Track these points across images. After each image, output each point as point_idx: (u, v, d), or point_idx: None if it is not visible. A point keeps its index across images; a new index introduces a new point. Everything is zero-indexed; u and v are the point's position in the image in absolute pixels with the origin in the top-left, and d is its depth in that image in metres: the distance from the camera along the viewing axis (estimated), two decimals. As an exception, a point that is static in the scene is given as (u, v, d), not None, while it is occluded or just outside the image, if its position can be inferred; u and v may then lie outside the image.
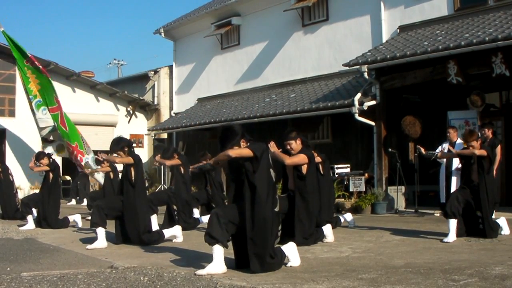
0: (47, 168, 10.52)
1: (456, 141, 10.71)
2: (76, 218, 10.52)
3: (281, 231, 5.59)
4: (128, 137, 10.10)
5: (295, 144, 7.17)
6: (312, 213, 7.14)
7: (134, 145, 8.24)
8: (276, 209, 5.45)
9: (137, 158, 7.87)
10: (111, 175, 12.16)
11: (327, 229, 7.56)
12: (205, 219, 10.89)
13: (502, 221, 7.91)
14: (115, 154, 7.99)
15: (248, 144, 5.52)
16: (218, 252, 5.22)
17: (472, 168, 7.73)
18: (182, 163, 10.00)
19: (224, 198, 11.30)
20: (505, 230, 7.86)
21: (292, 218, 7.02)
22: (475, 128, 11.95)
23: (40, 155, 10.76)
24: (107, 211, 7.67)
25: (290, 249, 5.58)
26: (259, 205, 5.26)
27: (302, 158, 7.07)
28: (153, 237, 7.70)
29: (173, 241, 7.85)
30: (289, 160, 7.03)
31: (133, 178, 7.76)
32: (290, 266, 5.52)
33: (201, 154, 11.58)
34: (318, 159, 8.58)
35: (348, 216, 9.65)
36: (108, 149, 8.12)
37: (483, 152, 7.57)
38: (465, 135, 7.90)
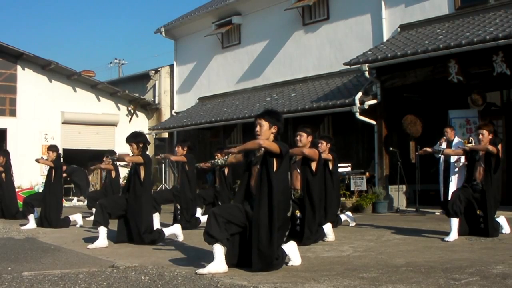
0: (51, 164, 10.43)
1: (453, 140, 10.73)
2: (76, 217, 10.52)
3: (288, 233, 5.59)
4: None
5: (305, 138, 7.13)
6: (318, 213, 7.12)
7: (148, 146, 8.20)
8: (288, 214, 5.43)
9: (147, 158, 7.86)
10: (113, 174, 12.14)
11: (328, 228, 7.56)
12: (205, 218, 10.96)
13: (502, 220, 7.90)
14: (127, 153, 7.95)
15: (273, 140, 5.45)
16: (218, 251, 5.20)
17: (476, 165, 7.68)
18: (187, 160, 9.98)
19: (231, 198, 11.27)
20: (505, 229, 7.85)
21: (297, 219, 6.99)
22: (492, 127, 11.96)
23: (52, 147, 10.58)
24: (111, 210, 7.65)
25: (291, 249, 5.57)
26: (272, 205, 5.22)
27: (315, 152, 7.04)
28: (154, 236, 7.69)
29: (174, 240, 7.85)
30: (307, 151, 6.97)
31: (142, 178, 7.76)
32: (291, 265, 5.51)
33: (218, 147, 11.57)
34: (329, 156, 8.56)
35: (349, 215, 9.64)
36: (109, 148, 8.12)
37: (494, 149, 7.53)
38: (481, 124, 7.87)
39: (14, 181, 12.70)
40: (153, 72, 22.48)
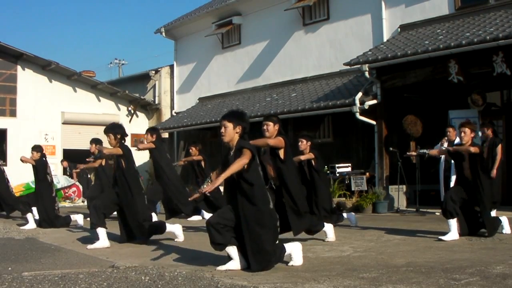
0: (33, 162, 10.37)
1: (455, 140, 10.72)
2: (78, 217, 10.50)
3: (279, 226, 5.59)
4: (129, 135, 9.97)
5: (272, 127, 7.06)
6: (297, 199, 7.04)
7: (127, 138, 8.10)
8: (271, 206, 5.46)
9: (126, 149, 7.76)
10: (103, 162, 11.96)
11: (329, 228, 7.54)
12: (206, 215, 11.06)
13: (504, 219, 7.88)
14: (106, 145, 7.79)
15: (238, 140, 5.54)
16: (231, 252, 5.39)
17: (463, 165, 7.67)
18: (156, 147, 9.85)
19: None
20: (506, 229, 7.84)
21: (282, 211, 6.86)
22: (477, 127, 11.95)
23: (36, 148, 10.55)
24: (104, 210, 7.59)
25: (295, 249, 5.58)
26: (255, 202, 5.31)
27: (279, 140, 6.92)
28: (154, 224, 7.63)
29: (175, 240, 7.85)
30: (271, 141, 6.88)
31: (124, 169, 7.67)
32: (292, 266, 5.51)
33: (193, 141, 11.59)
34: (310, 155, 8.48)
35: (351, 215, 9.57)
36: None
37: (477, 150, 7.52)
38: (463, 122, 7.83)
39: (7, 177, 12.57)
40: (153, 72, 22.48)
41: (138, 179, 8.02)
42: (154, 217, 9.40)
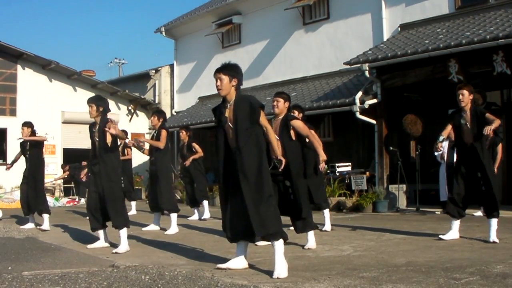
0: (44, 138, 10.17)
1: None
2: (45, 217, 10.05)
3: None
4: (129, 135, 9.88)
5: (282, 104, 7.00)
6: (301, 177, 6.91)
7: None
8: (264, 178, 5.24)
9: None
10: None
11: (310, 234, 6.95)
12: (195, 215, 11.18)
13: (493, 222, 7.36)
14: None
15: (236, 93, 5.72)
16: (238, 248, 5.39)
17: (465, 130, 7.21)
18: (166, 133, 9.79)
19: (203, 172, 11.49)
20: (492, 235, 7.03)
21: (288, 188, 6.54)
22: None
23: (26, 124, 10.40)
24: (100, 209, 7.28)
25: (279, 257, 5.08)
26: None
27: (306, 129, 6.95)
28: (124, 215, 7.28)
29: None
30: (308, 133, 6.91)
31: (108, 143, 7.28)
32: (277, 278, 4.95)
33: (184, 126, 11.57)
34: (313, 134, 8.16)
35: (327, 224, 8.69)
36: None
37: (499, 121, 6.99)
38: (461, 84, 7.25)
39: None
40: (153, 71, 22.49)
41: (118, 158, 7.56)
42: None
